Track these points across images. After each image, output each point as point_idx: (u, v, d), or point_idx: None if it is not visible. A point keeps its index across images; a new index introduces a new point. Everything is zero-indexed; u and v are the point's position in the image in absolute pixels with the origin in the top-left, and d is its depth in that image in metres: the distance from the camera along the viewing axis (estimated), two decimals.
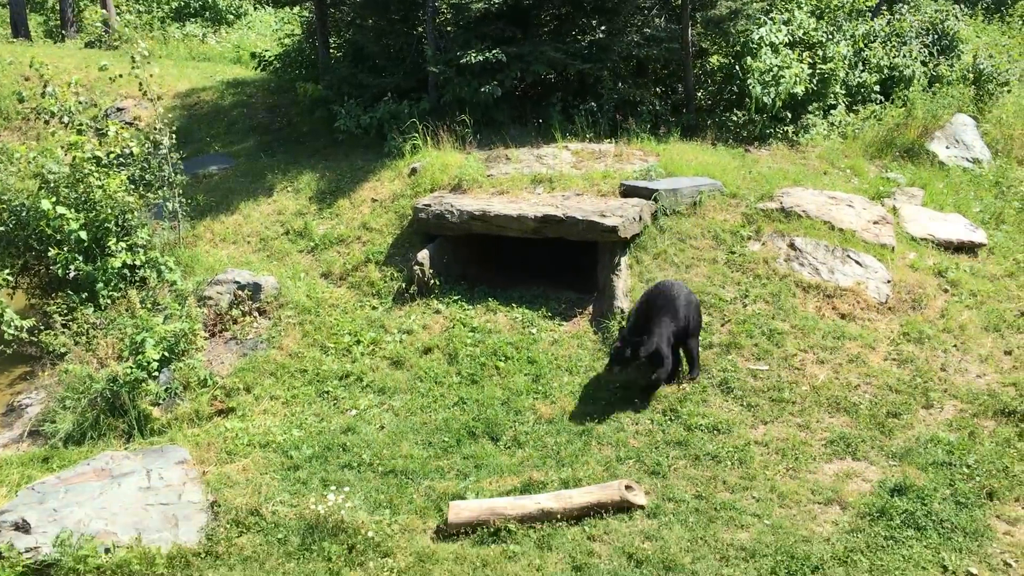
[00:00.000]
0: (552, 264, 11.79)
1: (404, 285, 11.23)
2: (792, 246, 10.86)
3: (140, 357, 9.53)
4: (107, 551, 7.20)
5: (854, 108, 15.18)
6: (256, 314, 11.00)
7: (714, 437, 8.64)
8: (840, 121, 14.69)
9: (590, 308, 10.72)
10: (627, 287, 10.58)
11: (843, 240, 10.97)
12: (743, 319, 9.98)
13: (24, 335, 10.65)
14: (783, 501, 7.80)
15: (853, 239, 11.05)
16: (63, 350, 10.18)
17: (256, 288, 11.16)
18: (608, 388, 9.40)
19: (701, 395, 9.17)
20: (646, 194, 11.43)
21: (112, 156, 11.96)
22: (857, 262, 10.67)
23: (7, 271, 11.05)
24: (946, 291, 10.62)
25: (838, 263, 10.64)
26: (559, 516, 7.61)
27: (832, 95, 14.65)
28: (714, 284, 10.49)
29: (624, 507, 7.71)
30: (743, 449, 8.44)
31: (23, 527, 7.43)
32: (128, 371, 9.39)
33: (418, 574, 7.11)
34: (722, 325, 9.98)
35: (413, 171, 12.91)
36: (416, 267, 11.17)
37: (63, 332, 10.33)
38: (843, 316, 10.06)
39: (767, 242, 11.01)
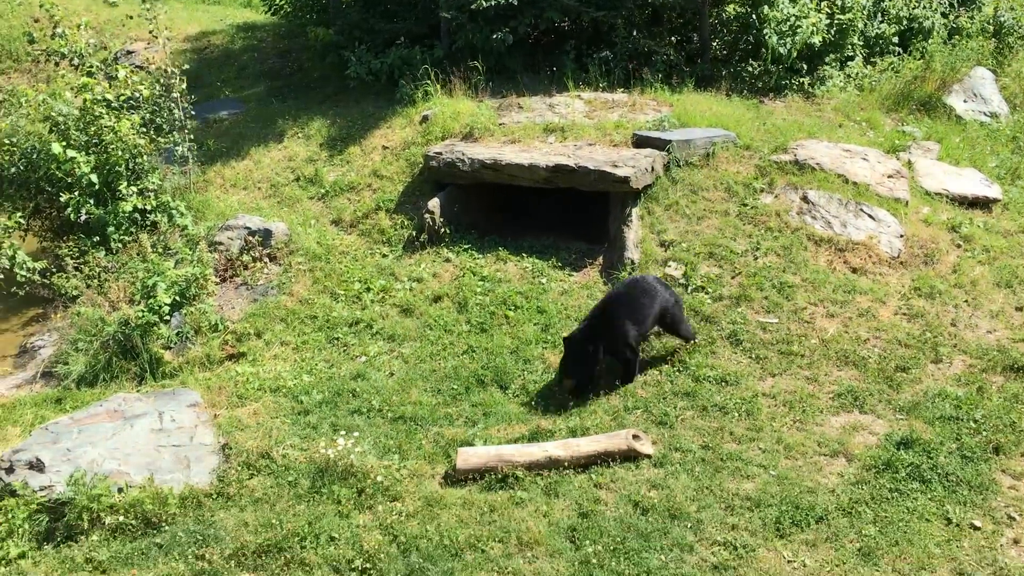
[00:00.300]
0: (563, 214, 11.74)
1: (414, 233, 11.21)
2: (805, 199, 10.79)
3: (152, 301, 9.57)
4: (120, 491, 7.30)
5: (871, 60, 14.96)
6: (267, 260, 11.02)
7: (722, 389, 8.67)
8: (857, 73, 14.49)
9: (600, 259, 10.71)
10: (638, 238, 10.54)
11: (856, 194, 10.89)
12: (754, 272, 9.95)
13: (36, 278, 10.71)
14: (789, 452, 7.85)
15: (867, 193, 10.97)
16: (75, 293, 10.23)
17: (267, 234, 11.17)
18: None
19: (710, 347, 9.18)
20: (659, 145, 11.34)
21: (122, 99, 11.90)
22: (870, 216, 10.60)
23: (19, 214, 11.07)
24: (959, 246, 10.56)
25: (851, 217, 10.58)
26: (566, 464, 7.67)
27: (849, 46, 14.42)
28: (725, 236, 10.44)
29: (631, 456, 7.77)
30: (751, 401, 8.47)
31: (37, 466, 7.53)
32: (140, 315, 9.44)
33: (426, 518, 7.19)
34: (732, 278, 9.96)
35: (424, 119, 12.82)
36: (427, 215, 11.15)
37: (75, 275, 10.38)
38: (854, 270, 10.02)
39: (780, 195, 10.94)
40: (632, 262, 10.26)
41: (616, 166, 10.67)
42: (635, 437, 7.84)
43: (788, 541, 6.87)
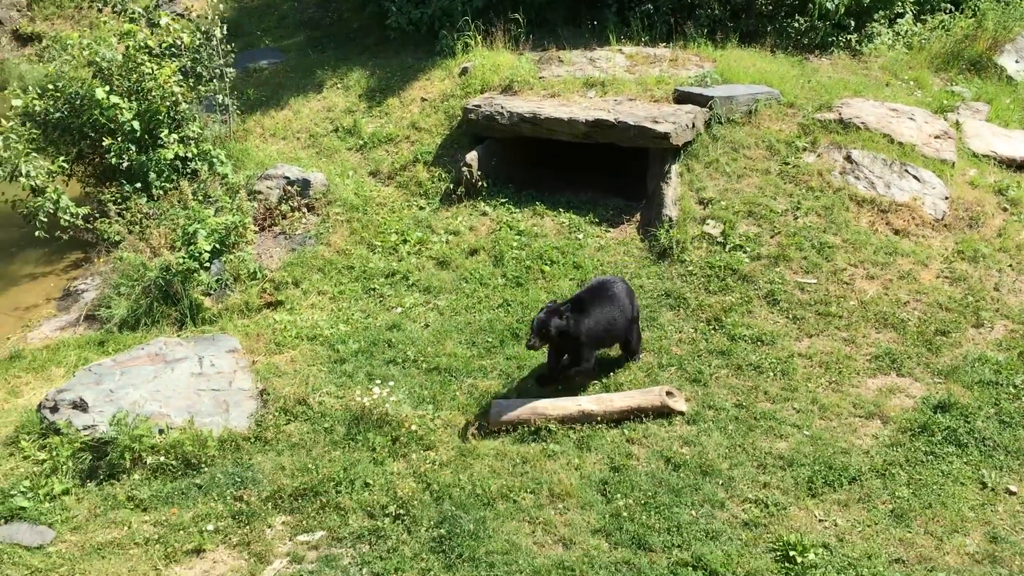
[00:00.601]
0: (601, 170, 11.66)
1: (451, 186, 11.20)
2: (848, 159, 10.61)
3: (192, 248, 9.68)
4: (161, 432, 7.46)
5: (921, 17, 14.57)
6: (305, 210, 11.08)
7: (757, 348, 8.63)
8: (906, 31, 14.12)
9: (638, 216, 10.64)
10: (676, 195, 10.45)
11: (902, 154, 10.68)
12: (793, 232, 9.84)
13: (79, 222, 10.87)
14: (824, 413, 7.82)
15: (912, 153, 10.76)
16: (117, 238, 10.38)
17: (305, 184, 11.22)
18: (653, 295, 9.39)
19: (746, 306, 9.12)
20: (700, 101, 11.18)
21: (164, 47, 11.94)
22: (915, 177, 10.41)
23: (62, 159, 11.20)
24: (1005, 210, 10.35)
25: (895, 177, 10.39)
26: (599, 418, 7.71)
27: (899, 3, 14.05)
28: (765, 195, 10.32)
29: (664, 412, 7.79)
30: (786, 361, 8.43)
31: (81, 406, 7.70)
32: (181, 261, 9.56)
33: (459, 467, 7.27)
34: (771, 237, 9.86)
35: (464, 71, 12.74)
36: (464, 168, 11.12)
37: (117, 221, 10.51)
38: (897, 232, 9.87)
39: (823, 154, 10.76)
40: (670, 219, 10.19)
41: (656, 122, 10.56)
42: (669, 394, 7.85)
43: (820, 500, 6.87)
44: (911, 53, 13.74)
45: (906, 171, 10.46)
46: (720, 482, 7.05)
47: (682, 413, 7.82)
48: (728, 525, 6.63)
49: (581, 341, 7.94)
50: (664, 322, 9.04)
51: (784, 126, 11.19)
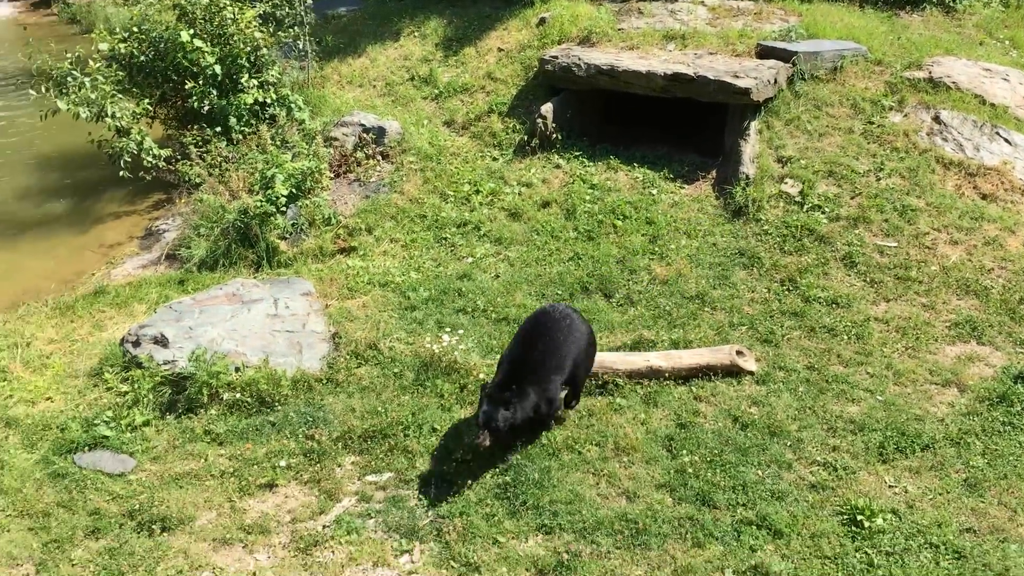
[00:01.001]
0: (676, 125, 11.47)
1: (526, 138, 11.15)
2: (937, 119, 10.25)
3: (270, 192, 9.84)
4: (237, 370, 7.66)
5: None
6: (379, 158, 11.16)
7: (832, 310, 8.47)
8: None
9: (714, 172, 10.47)
10: (754, 152, 10.25)
11: (993, 116, 10.28)
12: (875, 193, 9.58)
13: (162, 164, 11.14)
14: (898, 379, 7.66)
15: (1005, 115, 10.35)
16: (198, 180, 10.60)
17: (380, 132, 11.28)
18: (726, 254, 9.26)
19: (822, 268, 8.94)
20: (784, 56, 10.89)
21: None
22: (1007, 140, 10.02)
23: (147, 101, 11.45)
24: None
25: (985, 140, 10.02)
26: (667, 375, 7.67)
27: None
28: (847, 155, 10.05)
29: (733, 372, 7.72)
30: (861, 325, 8.26)
31: (161, 341, 7.94)
32: (258, 204, 9.73)
33: None
34: (851, 198, 9.62)
35: (541, 21, 12.60)
36: (539, 120, 11.05)
37: (198, 163, 10.74)
38: (984, 197, 9.53)
39: (910, 114, 10.42)
40: (747, 177, 10.00)
41: (737, 77, 10.33)
42: (739, 353, 7.77)
43: (891, 467, 6.76)
44: (1007, 11, 13.15)
45: (997, 134, 10.07)
46: (788, 443, 6.98)
47: (751, 373, 7.74)
48: (795, 486, 6.57)
49: (542, 413, 6.82)
50: (736, 281, 8.93)
51: (870, 84, 10.85)
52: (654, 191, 10.24)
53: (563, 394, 7.11)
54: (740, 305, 8.61)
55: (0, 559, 6.04)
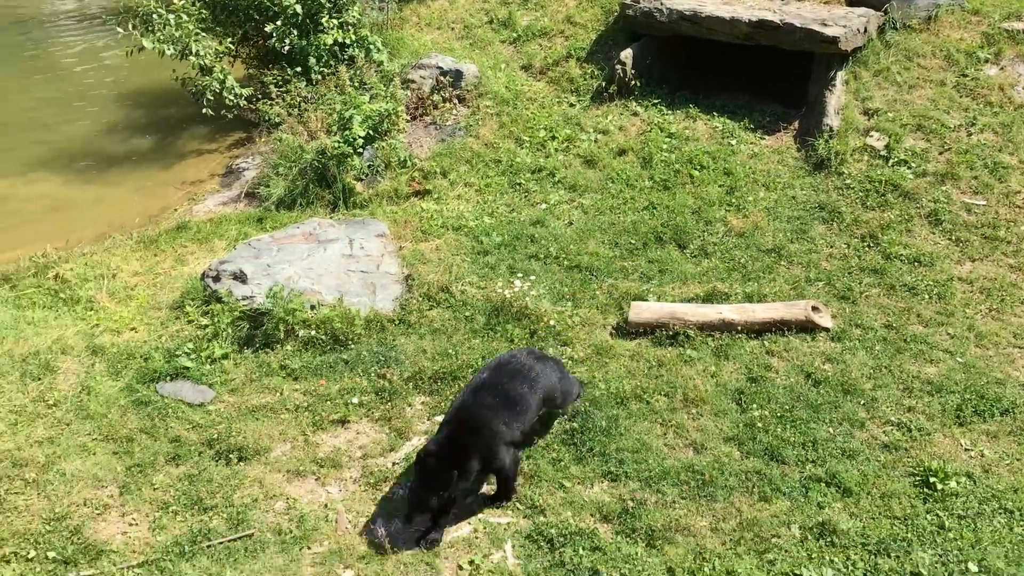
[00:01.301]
0: (758, 74, 11.17)
1: (603, 84, 11.00)
2: None
3: (347, 133, 9.91)
4: (312, 308, 7.80)
5: None
6: (456, 101, 11.13)
7: (914, 269, 8.25)
8: None
9: (796, 124, 10.21)
10: (839, 104, 9.95)
11: None
12: (965, 149, 9.25)
13: (243, 103, 11.29)
14: (980, 341, 7.46)
15: None
16: (277, 120, 10.72)
17: (457, 75, 11.24)
18: (806, 207, 9.06)
19: (906, 224, 8.70)
20: (875, 4, 10.50)
21: None
22: None
23: (229, 40, 11.57)
24: None
25: None
26: (739, 328, 7.59)
27: None
28: (938, 109, 9.69)
29: (808, 327, 7.59)
30: (944, 284, 8.04)
31: (240, 277, 8.13)
32: (336, 145, 9.82)
33: (595, 365, 7.34)
34: (940, 154, 9.30)
35: None
36: (618, 66, 10.88)
37: (277, 103, 10.85)
38: None
39: (1006, 67, 9.98)
40: (830, 129, 9.72)
41: (825, 25, 9.99)
42: (814, 309, 7.64)
43: (967, 430, 6.62)
44: None
45: None
46: (862, 402, 6.87)
47: (827, 329, 7.61)
48: (866, 446, 6.48)
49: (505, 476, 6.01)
50: (815, 235, 8.74)
51: (966, 35, 10.41)
52: (733, 141, 10.04)
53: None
54: (818, 260, 8.44)
55: (87, 480, 6.33)
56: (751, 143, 10.04)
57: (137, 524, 6.01)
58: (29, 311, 8.13)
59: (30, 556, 5.73)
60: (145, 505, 6.14)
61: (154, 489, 6.27)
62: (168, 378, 7.30)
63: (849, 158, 9.43)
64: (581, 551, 5.68)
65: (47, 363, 7.38)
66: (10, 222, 10.12)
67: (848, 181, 9.26)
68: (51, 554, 5.74)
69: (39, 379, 7.23)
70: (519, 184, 9.94)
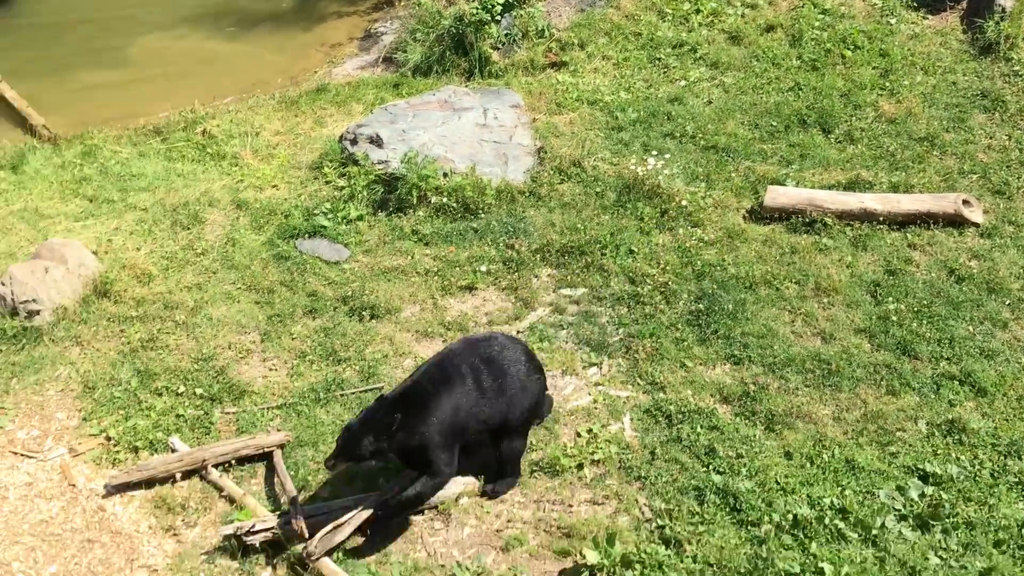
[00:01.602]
0: None
1: None
2: None
3: (485, 0, 9.75)
4: (445, 175, 7.89)
5: None
6: None
7: None
8: None
9: (964, 3, 9.48)
10: None
11: None
12: None
13: None
14: None
15: None
16: None
17: None
18: (966, 94, 8.48)
19: None
20: None
21: None
22: None
23: None
24: None
25: None
26: (881, 219, 7.28)
27: None
28: None
29: (956, 222, 7.23)
30: None
31: (376, 141, 8.26)
32: (474, 11, 9.68)
33: (725, 248, 7.22)
34: None
35: None
36: None
37: None
38: None
39: None
40: (1002, 10, 8.98)
41: None
42: (965, 202, 7.24)
43: None
44: None
45: None
46: (1007, 302, 6.56)
47: (976, 225, 7.22)
48: (1007, 346, 6.21)
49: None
50: (974, 125, 8.22)
51: None
52: (893, 20, 9.42)
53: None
54: (974, 151, 7.95)
55: (231, 326, 6.72)
56: (912, 22, 9.39)
57: (276, 370, 6.37)
58: (179, 163, 8.53)
59: (180, 391, 6.18)
60: (284, 352, 6.49)
61: (292, 338, 6.60)
62: (307, 235, 7.58)
63: (1021, 43, 8.72)
64: (699, 429, 5.73)
65: (195, 214, 7.76)
66: (160, 75, 10.51)
67: (1017, 68, 8.60)
68: (199, 391, 6.17)
69: (188, 228, 7.64)
70: (658, 59, 9.63)
